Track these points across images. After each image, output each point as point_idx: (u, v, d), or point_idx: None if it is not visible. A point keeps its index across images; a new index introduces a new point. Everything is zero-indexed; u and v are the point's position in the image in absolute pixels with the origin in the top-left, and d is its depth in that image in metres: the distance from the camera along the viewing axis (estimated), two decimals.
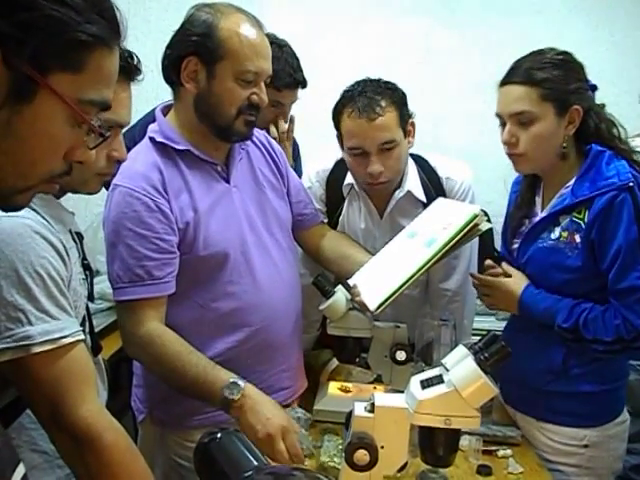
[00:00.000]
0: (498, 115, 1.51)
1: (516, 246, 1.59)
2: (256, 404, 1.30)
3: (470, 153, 2.56)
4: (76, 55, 0.67)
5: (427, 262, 1.45)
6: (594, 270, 1.43)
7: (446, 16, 3.01)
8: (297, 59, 1.96)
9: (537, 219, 1.55)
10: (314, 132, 2.27)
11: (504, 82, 1.49)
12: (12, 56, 0.63)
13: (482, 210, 1.51)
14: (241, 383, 1.31)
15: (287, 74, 1.91)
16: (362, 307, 1.52)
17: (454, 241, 1.44)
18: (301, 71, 1.96)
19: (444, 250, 1.45)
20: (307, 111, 2.02)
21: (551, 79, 1.43)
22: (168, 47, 1.44)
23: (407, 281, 1.44)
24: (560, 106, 1.44)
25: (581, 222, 1.43)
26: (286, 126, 1.99)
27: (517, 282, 1.54)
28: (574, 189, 1.46)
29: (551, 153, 1.49)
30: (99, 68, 0.70)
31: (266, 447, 1.25)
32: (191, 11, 1.43)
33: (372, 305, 1.45)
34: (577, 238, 1.43)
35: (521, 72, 1.45)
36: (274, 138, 1.86)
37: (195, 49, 1.39)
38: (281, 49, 1.89)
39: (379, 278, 1.52)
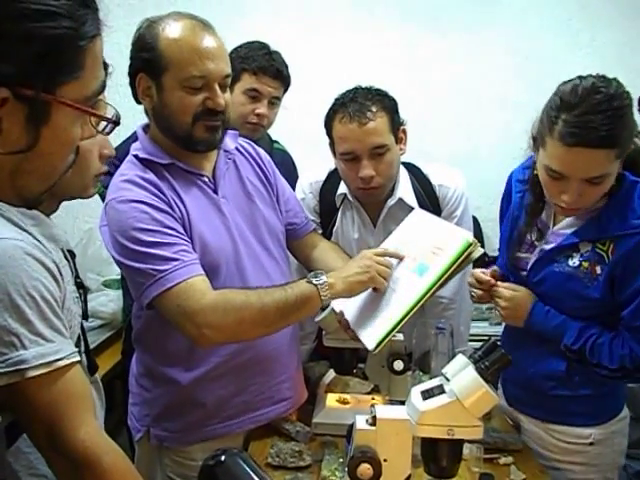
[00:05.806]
0: (557, 172, 1.33)
1: (521, 255, 1.55)
2: (341, 272, 1.42)
3: (457, 159, 2.57)
4: (78, 61, 0.67)
5: (423, 296, 1.39)
6: (610, 300, 1.41)
7: (430, 23, 3.03)
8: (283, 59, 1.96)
9: (556, 243, 1.47)
10: (304, 142, 2.26)
11: (576, 143, 1.28)
12: (23, 90, 0.62)
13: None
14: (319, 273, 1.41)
15: (264, 59, 1.89)
16: (354, 339, 1.48)
17: (449, 272, 1.39)
18: (284, 66, 1.95)
19: (439, 282, 1.39)
20: (296, 121, 2.01)
21: (626, 136, 1.31)
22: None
23: (404, 317, 1.38)
24: (624, 156, 1.35)
25: (604, 254, 1.39)
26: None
27: (526, 297, 1.52)
28: (603, 221, 1.39)
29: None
30: (95, 58, 0.69)
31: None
32: (139, 26, 1.41)
33: (370, 345, 1.39)
34: (598, 269, 1.40)
35: (600, 134, 1.26)
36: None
37: (142, 65, 1.38)
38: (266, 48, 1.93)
39: (371, 310, 1.46)
